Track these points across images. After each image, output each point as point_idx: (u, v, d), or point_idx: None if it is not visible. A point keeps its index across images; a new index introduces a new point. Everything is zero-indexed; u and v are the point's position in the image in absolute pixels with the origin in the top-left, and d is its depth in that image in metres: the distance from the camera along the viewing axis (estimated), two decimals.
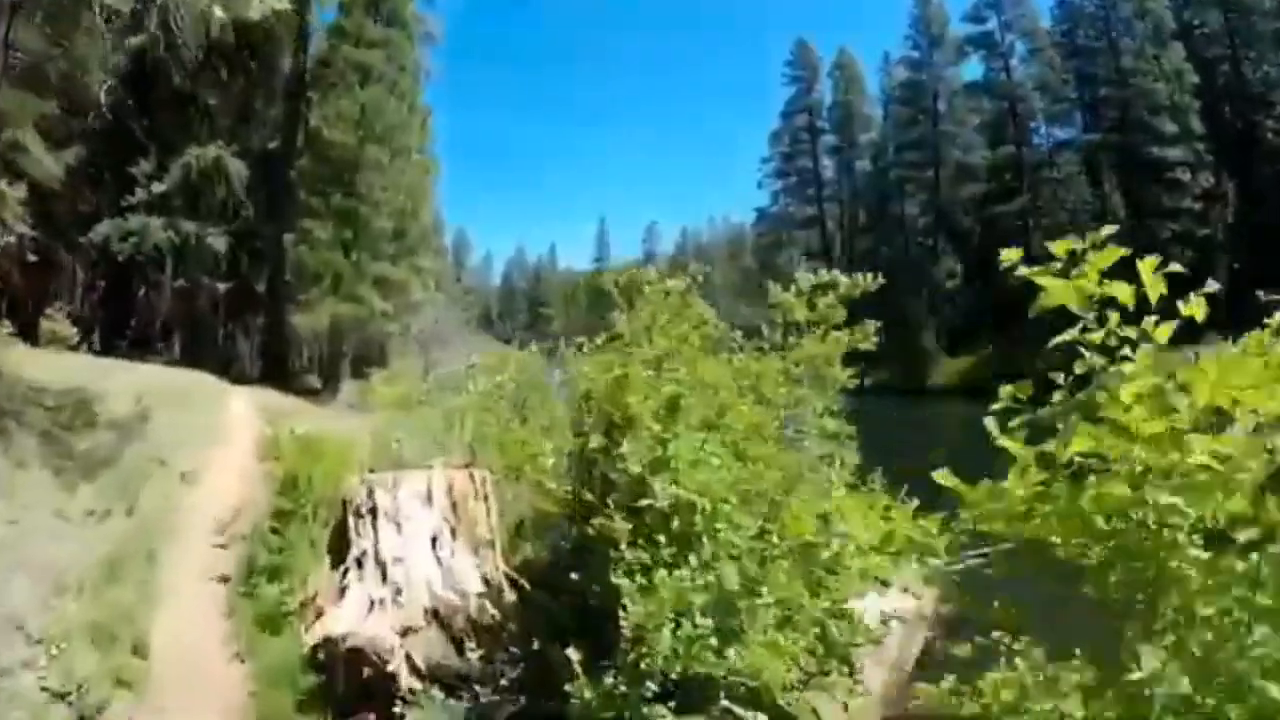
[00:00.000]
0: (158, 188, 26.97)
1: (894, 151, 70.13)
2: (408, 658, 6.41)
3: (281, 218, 26.42)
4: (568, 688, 5.45)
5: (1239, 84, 60.72)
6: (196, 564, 7.96)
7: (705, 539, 5.63)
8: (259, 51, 29.27)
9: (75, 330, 22.14)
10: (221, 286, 28.34)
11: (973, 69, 67.97)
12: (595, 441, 6.09)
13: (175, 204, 27.48)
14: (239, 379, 24.85)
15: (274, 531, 8.62)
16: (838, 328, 6.67)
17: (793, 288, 6.87)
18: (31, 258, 27.72)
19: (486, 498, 7.33)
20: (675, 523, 5.63)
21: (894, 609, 6.28)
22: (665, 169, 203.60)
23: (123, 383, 15.48)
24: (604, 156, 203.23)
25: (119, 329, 28.67)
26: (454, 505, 7.42)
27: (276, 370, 28.91)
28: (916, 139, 67.88)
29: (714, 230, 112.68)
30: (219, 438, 12.48)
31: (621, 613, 5.32)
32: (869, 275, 6.73)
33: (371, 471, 8.30)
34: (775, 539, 5.89)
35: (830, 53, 78.36)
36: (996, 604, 2.83)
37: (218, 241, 26.70)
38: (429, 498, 7.47)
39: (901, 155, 69.19)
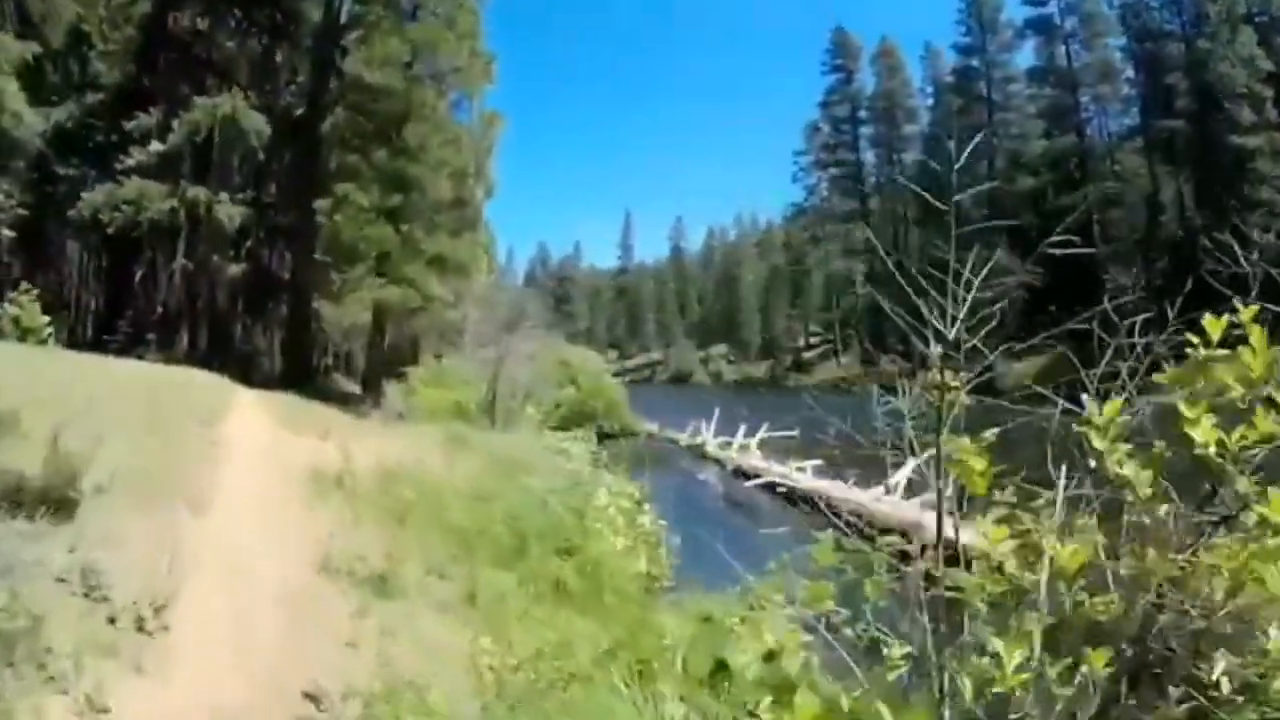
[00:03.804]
0: (158, 147, 21.17)
1: (946, 141, 64.08)
2: None
3: (310, 185, 20.59)
4: None
5: None
6: None
7: None
8: None
9: (47, 319, 16.34)
10: (237, 269, 22.51)
11: (1024, 57, 62.34)
12: None
13: (182, 168, 21.75)
14: (261, 381, 19.13)
15: None
16: None
17: None
18: (7, 233, 22.19)
19: None
20: None
21: None
22: (691, 165, 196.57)
23: (86, 388, 9.77)
24: (629, 152, 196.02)
25: (117, 320, 22.96)
26: None
27: (301, 370, 23.11)
28: (970, 128, 61.85)
29: (741, 228, 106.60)
30: (224, 498, 6.67)
31: None
32: None
33: None
34: None
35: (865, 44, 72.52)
36: None
37: (232, 212, 20.86)
38: None
39: (954, 144, 63.08)
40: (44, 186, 23.85)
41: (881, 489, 14.24)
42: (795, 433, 22.75)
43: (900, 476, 14.84)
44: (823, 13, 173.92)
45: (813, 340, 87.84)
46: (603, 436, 24.09)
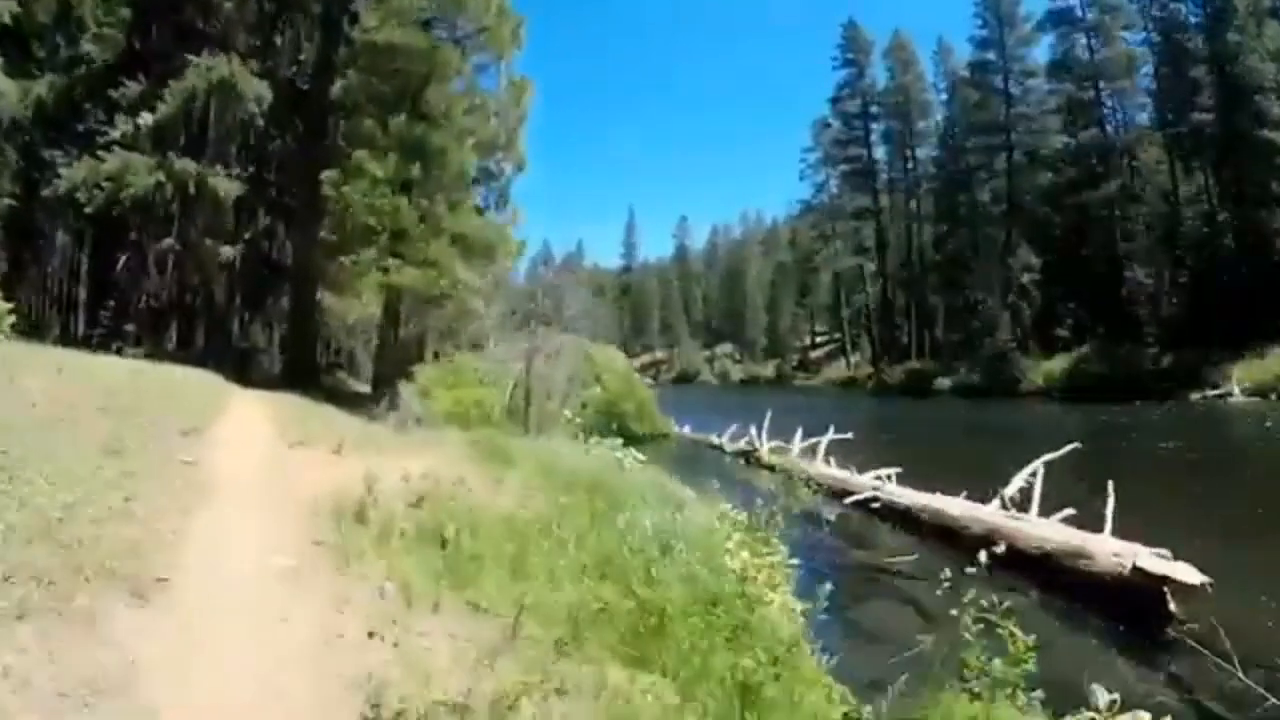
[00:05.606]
0: (148, 118, 18.53)
1: (963, 136, 61.60)
2: None
3: (317, 159, 17.94)
4: None
5: None
6: None
7: None
8: None
9: (9, 306, 13.70)
10: (233, 253, 19.83)
11: (1041, 51, 59.75)
12: None
13: (174, 142, 19.10)
14: (260, 380, 16.54)
15: None
16: None
17: None
18: None
19: None
20: None
21: None
22: (695, 163, 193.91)
23: (25, 391, 7.24)
24: (633, 150, 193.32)
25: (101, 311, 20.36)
26: None
27: (304, 367, 20.48)
28: (988, 122, 59.39)
29: (746, 225, 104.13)
30: (197, 567, 4.06)
31: None
32: None
33: None
34: None
35: (877, 38, 69.88)
36: None
37: (228, 187, 18.22)
38: None
39: (972, 140, 60.60)
40: (31, 174, 21.55)
41: (998, 503, 11.70)
42: (849, 435, 20.26)
43: (1015, 487, 12.34)
44: (832, 8, 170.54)
45: (819, 339, 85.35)
46: (629, 440, 21.53)
